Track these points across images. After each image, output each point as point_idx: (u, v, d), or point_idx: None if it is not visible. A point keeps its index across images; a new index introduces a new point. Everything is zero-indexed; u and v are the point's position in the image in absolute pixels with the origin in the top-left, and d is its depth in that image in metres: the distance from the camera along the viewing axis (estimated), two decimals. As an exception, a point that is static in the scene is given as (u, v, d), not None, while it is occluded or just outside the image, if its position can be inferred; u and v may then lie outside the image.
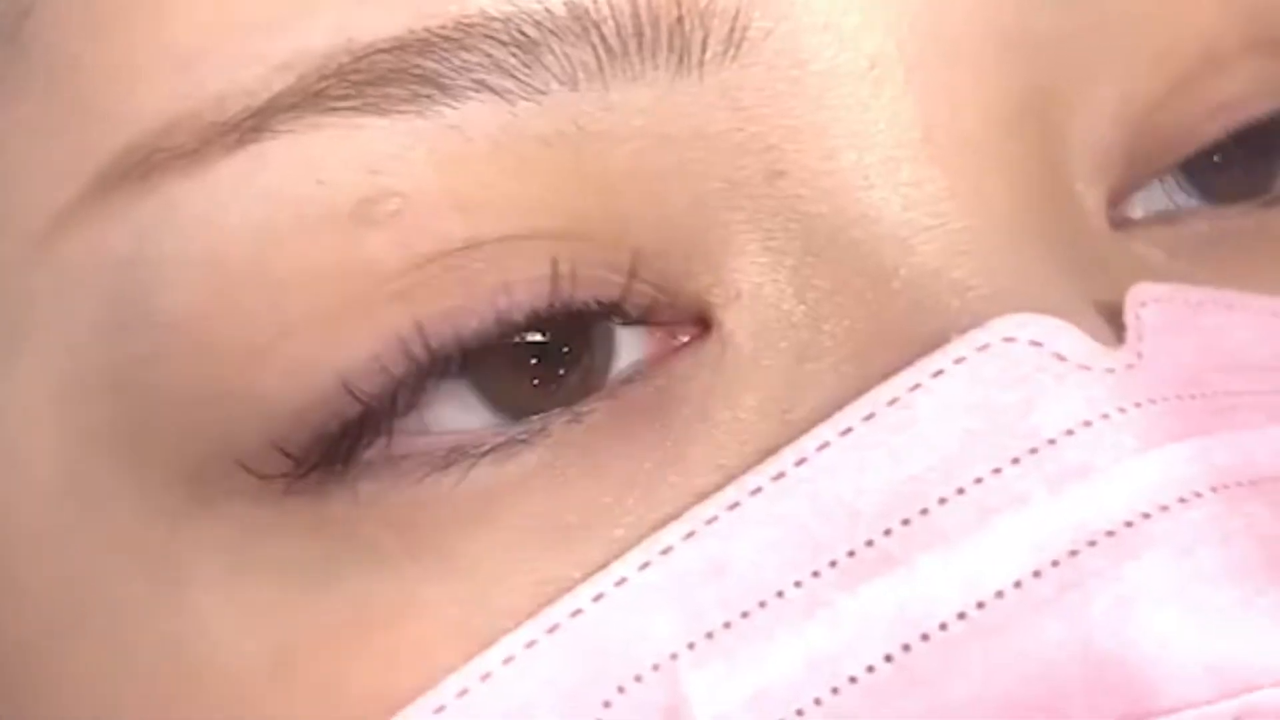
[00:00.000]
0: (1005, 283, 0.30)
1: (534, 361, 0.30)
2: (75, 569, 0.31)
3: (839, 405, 0.29)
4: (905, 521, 0.29)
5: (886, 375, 0.29)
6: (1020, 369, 0.29)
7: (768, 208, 0.30)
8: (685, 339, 0.31)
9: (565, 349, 0.30)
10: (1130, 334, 0.30)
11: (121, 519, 0.31)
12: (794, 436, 0.29)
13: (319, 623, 0.29)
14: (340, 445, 0.29)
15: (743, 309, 0.30)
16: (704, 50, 0.29)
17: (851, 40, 0.30)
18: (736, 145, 0.30)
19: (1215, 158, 0.34)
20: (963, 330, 0.29)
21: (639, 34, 0.29)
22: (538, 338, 0.30)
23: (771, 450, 0.29)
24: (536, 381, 0.30)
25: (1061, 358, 0.29)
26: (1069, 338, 0.29)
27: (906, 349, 0.29)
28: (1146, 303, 0.30)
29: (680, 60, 0.29)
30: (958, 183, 0.30)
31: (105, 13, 0.30)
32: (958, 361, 0.29)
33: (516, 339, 0.30)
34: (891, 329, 0.30)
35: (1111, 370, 0.29)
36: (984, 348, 0.29)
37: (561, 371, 0.30)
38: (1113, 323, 0.30)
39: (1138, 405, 0.29)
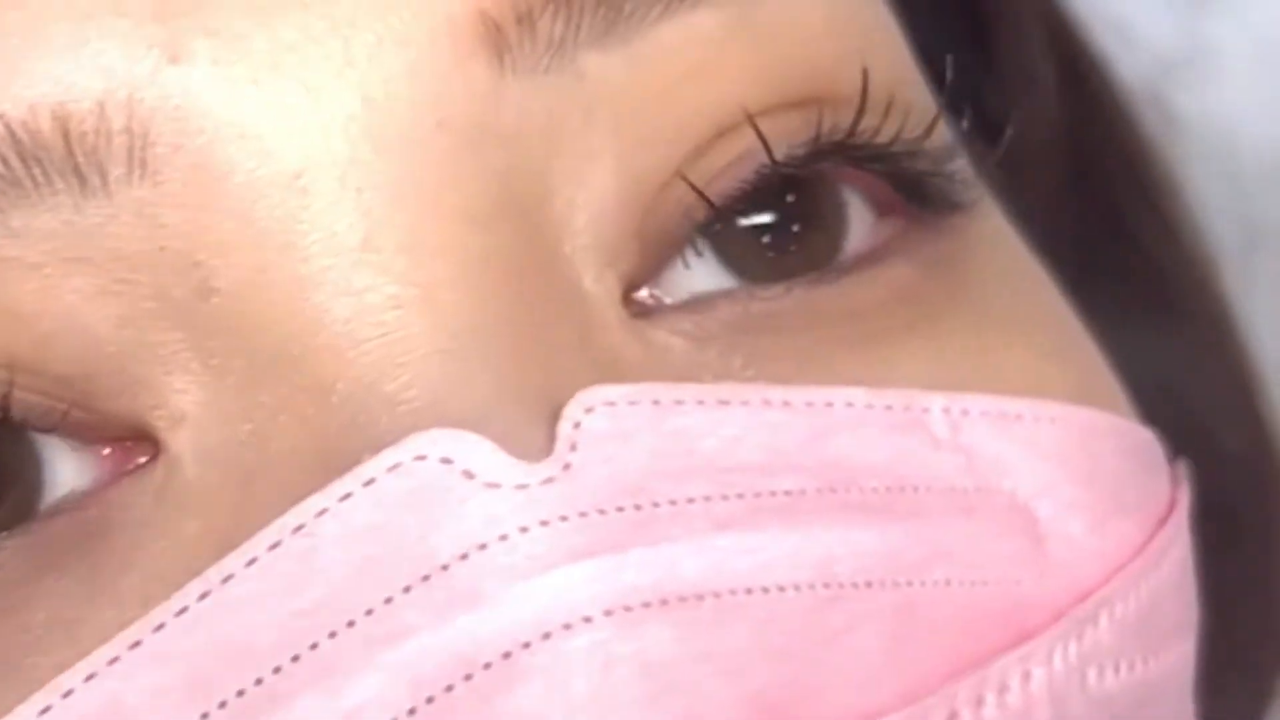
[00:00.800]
0: (441, 394, 0.28)
1: None
2: None
3: None
4: (295, 658, 0.27)
5: None
6: (426, 489, 0.27)
7: (204, 326, 0.29)
8: (141, 461, 0.30)
9: None
10: (560, 444, 0.28)
11: None
12: None
13: None
14: None
15: (187, 432, 0.29)
16: (104, 173, 0.28)
17: (272, 150, 0.29)
18: (161, 264, 0.29)
19: (764, 233, 0.32)
20: (380, 449, 0.28)
21: (26, 160, 0.28)
22: None
23: None
24: None
25: (470, 475, 0.27)
26: (481, 453, 0.27)
27: (339, 469, 0.28)
28: (594, 407, 0.28)
29: (83, 184, 0.28)
30: (405, 289, 0.29)
31: None
32: (367, 484, 0.28)
33: None
34: (331, 447, 0.29)
35: (524, 486, 0.27)
36: (394, 467, 0.28)
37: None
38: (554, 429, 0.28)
39: (543, 524, 0.27)
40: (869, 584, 0.29)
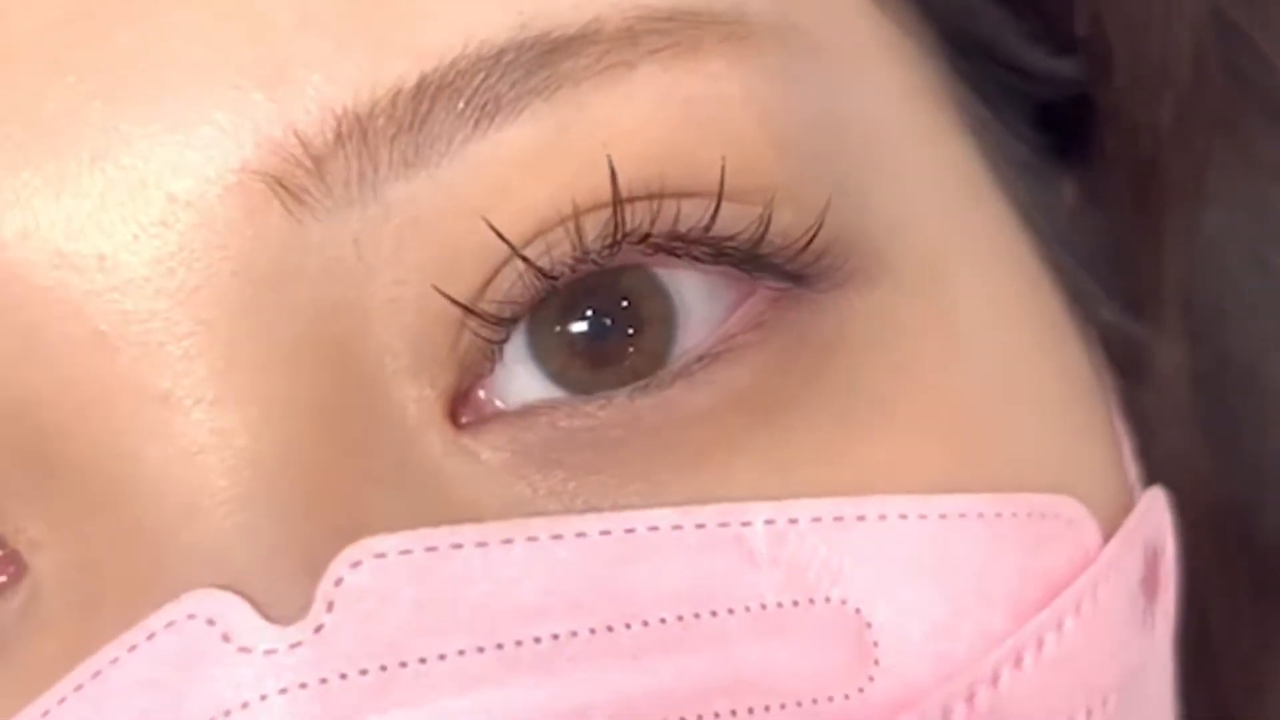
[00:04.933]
0: (227, 543, 0.30)
1: None
2: None
3: None
4: None
5: None
6: (192, 649, 0.30)
7: (41, 465, 0.31)
8: (8, 577, 0.32)
9: None
10: (317, 604, 0.30)
11: None
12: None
13: None
14: None
15: (46, 556, 0.32)
16: None
17: (80, 311, 0.31)
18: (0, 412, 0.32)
19: (585, 341, 0.32)
20: (170, 600, 0.30)
21: None
22: None
23: None
24: None
25: (228, 638, 0.30)
26: (239, 615, 0.30)
27: (141, 612, 0.31)
28: (361, 561, 0.30)
29: None
30: (204, 438, 0.31)
31: None
32: (149, 637, 0.30)
33: None
34: (142, 587, 0.31)
35: (273, 651, 0.29)
36: (170, 625, 0.30)
37: None
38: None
39: (282, 692, 0.29)
40: None
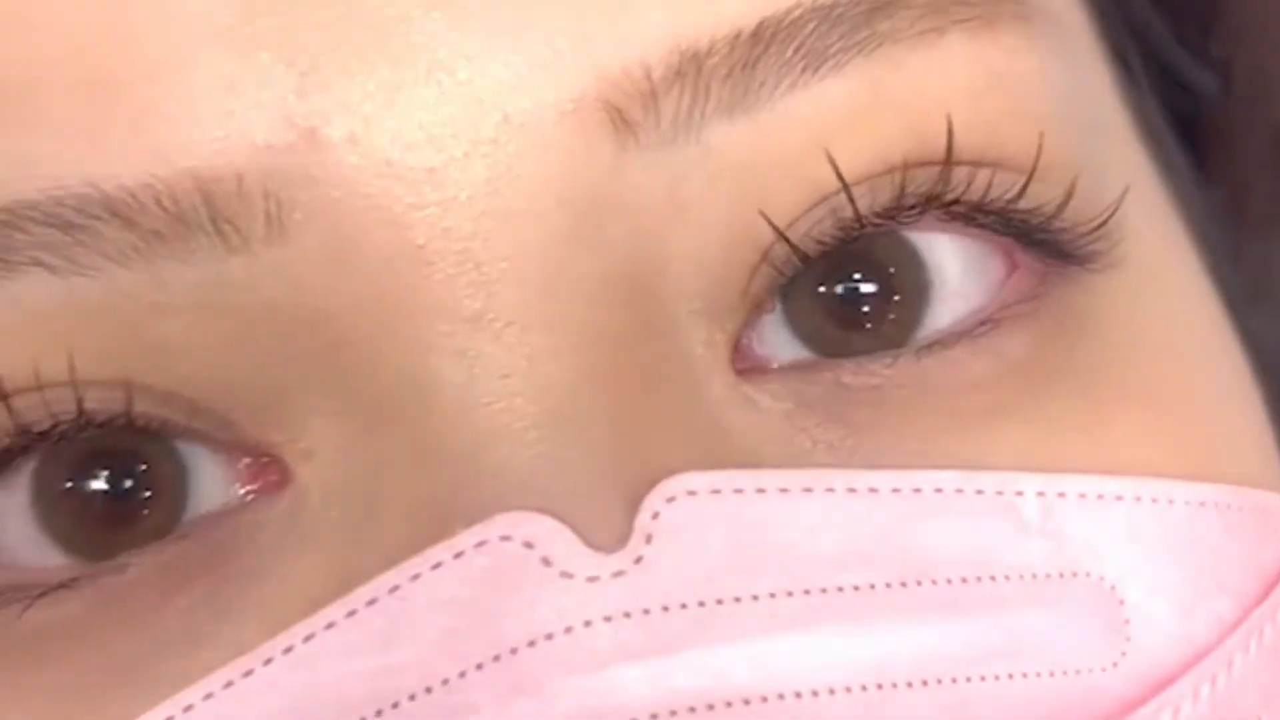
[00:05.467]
0: (537, 469, 0.30)
1: (99, 506, 0.32)
2: None
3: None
4: (378, 712, 0.30)
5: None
6: (507, 570, 0.30)
7: (332, 375, 0.31)
8: (274, 479, 0.32)
9: (145, 493, 0.32)
10: (636, 536, 0.30)
11: None
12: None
13: None
14: None
15: (316, 467, 0.32)
16: (244, 235, 0.31)
17: (400, 221, 0.31)
18: (296, 318, 0.31)
19: (854, 303, 0.33)
20: (476, 520, 0.30)
21: (173, 221, 0.30)
22: (100, 484, 0.32)
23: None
24: (109, 524, 0.32)
25: (548, 562, 0.29)
26: (560, 541, 0.29)
27: (438, 529, 0.30)
28: (675, 496, 0.30)
29: (225, 243, 0.31)
30: (514, 361, 0.31)
31: None
32: (457, 556, 0.30)
33: (82, 484, 0.32)
34: (433, 507, 0.31)
35: (595, 579, 0.29)
36: (481, 544, 0.30)
37: (145, 512, 0.32)
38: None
39: (607, 620, 0.29)
40: (924, 683, 0.30)
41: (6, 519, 0.33)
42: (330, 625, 0.30)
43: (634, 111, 0.31)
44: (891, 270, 0.33)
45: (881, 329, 0.33)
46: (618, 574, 0.29)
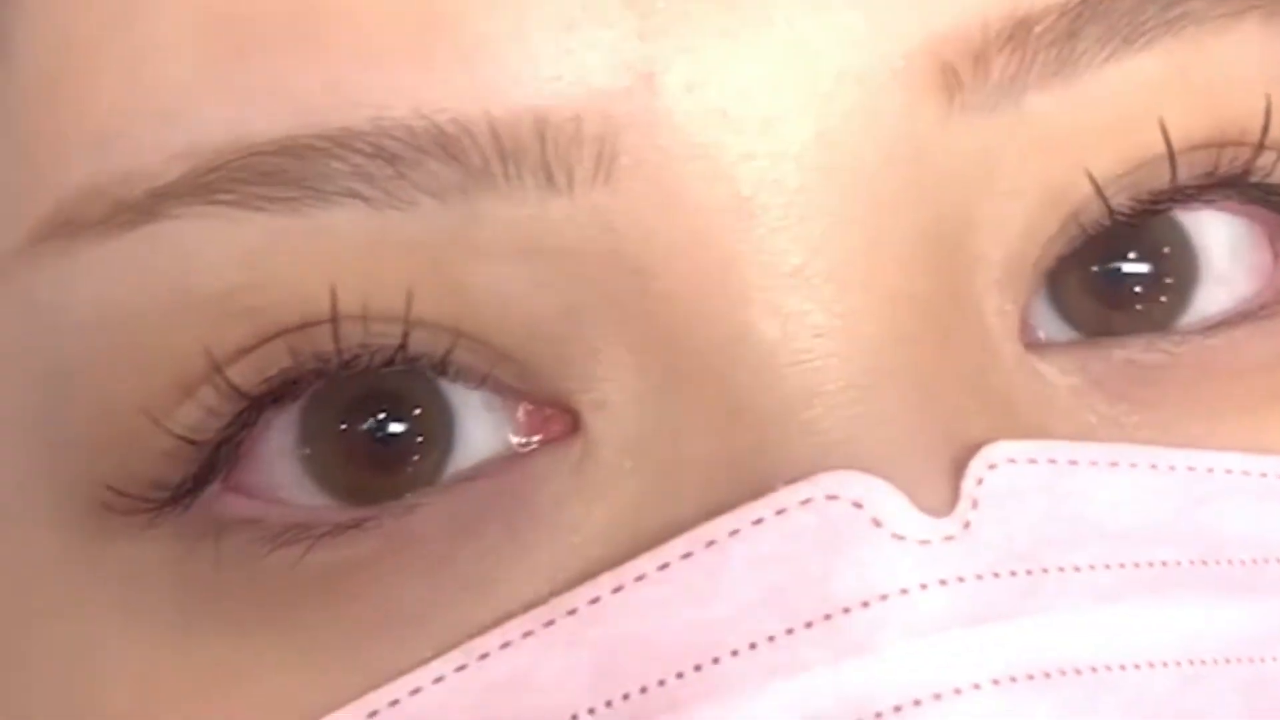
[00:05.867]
0: (854, 430, 0.30)
1: (376, 446, 0.31)
2: (16, 580, 0.34)
3: (682, 530, 0.30)
4: (698, 667, 0.29)
5: (726, 510, 0.30)
6: (835, 529, 0.29)
7: (637, 325, 0.31)
8: (557, 429, 0.31)
9: (418, 436, 0.31)
10: (963, 501, 0.30)
11: (47, 541, 0.34)
12: (634, 555, 0.30)
13: (179, 678, 0.32)
14: (182, 489, 0.32)
15: (608, 417, 0.31)
16: (572, 176, 0.30)
17: (728, 172, 0.30)
18: (609, 264, 0.30)
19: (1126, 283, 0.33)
20: (795, 478, 0.30)
21: (503, 158, 0.30)
22: (380, 420, 0.31)
23: (610, 566, 0.30)
24: (377, 468, 0.31)
25: (878, 523, 0.29)
26: (891, 502, 0.29)
27: (747, 486, 0.30)
28: (996, 464, 0.30)
29: (549, 181, 0.30)
30: (830, 319, 0.30)
31: (52, 79, 0.32)
32: (779, 513, 0.29)
33: (362, 424, 0.31)
34: (739, 462, 0.30)
35: (926, 542, 0.29)
36: (806, 502, 0.29)
37: (415, 457, 0.32)
38: (957, 482, 0.30)
39: (941, 583, 0.29)
40: (1228, 660, 0.31)
41: (275, 460, 0.32)
42: (640, 578, 0.30)
43: (962, 73, 0.30)
44: (1165, 251, 0.33)
45: (1150, 311, 0.33)
46: (948, 538, 0.29)
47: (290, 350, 0.31)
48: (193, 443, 0.31)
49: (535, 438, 0.32)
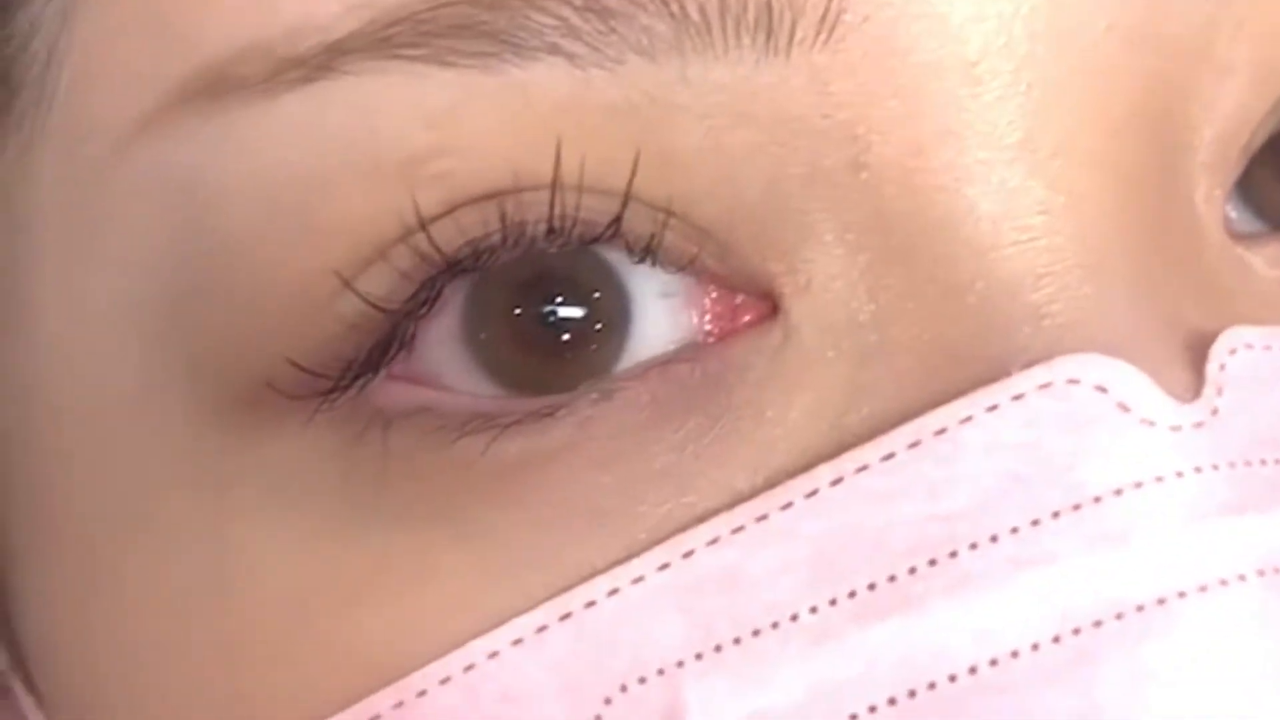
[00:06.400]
0: (1086, 312, 0.28)
1: (551, 331, 0.29)
2: (137, 476, 0.32)
3: (895, 419, 0.28)
4: (932, 562, 0.27)
5: (946, 397, 0.28)
6: (1079, 415, 0.27)
7: (848, 200, 0.29)
8: (747, 319, 0.29)
9: (596, 324, 0.29)
10: (1208, 387, 0.28)
11: (180, 434, 0.31)
12: (844, 445, 0.28)
13: (339, 574, 0.29)
14: (360, 366, 0.29)
15: (811, 301, 0.29)
16: (793, 33, 0.28)
17: (957, 33, 0.28)
18: (821, 132, 0.29)
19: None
20: (1028, 363, 0.28)
21: (723, 11, 0.28)
22: (556, 305, 0.29)
23: (818, 458, 0.28)
24: (553, 355, 0.29)
25: (1125, 408, 0.27)
26: (1137, 386, 0.27)
27: (970, 371, 0.28)
28: (1236, 349, 0.28)
29: (768, 40, 0.28)
30: (1054, 195, 0.29)
31: None
32: (1015, 398, 0.28)
33: (538, 309, 0.29)
34: (959, 346, 0.28)
35: (1177, 428, 0.28)
36: (1045, 386, 0.28)
37: (594, 346, 0.29)
38: (1197, 366, 0.28)
39: (1197, 470, 0.27)
40: None
41: (443, 346, 0.29)
42: (863, 468, 0.28)
43: None
44: None
45: None
46: (1198, 425, 0.28)
47: (485, 219, 0.28)
48: (381, 310, 0.29)
49: (722, 326, 0.29)
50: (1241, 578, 0.27)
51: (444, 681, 0.29)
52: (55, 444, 0.32)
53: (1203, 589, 0.27)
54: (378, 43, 0.28)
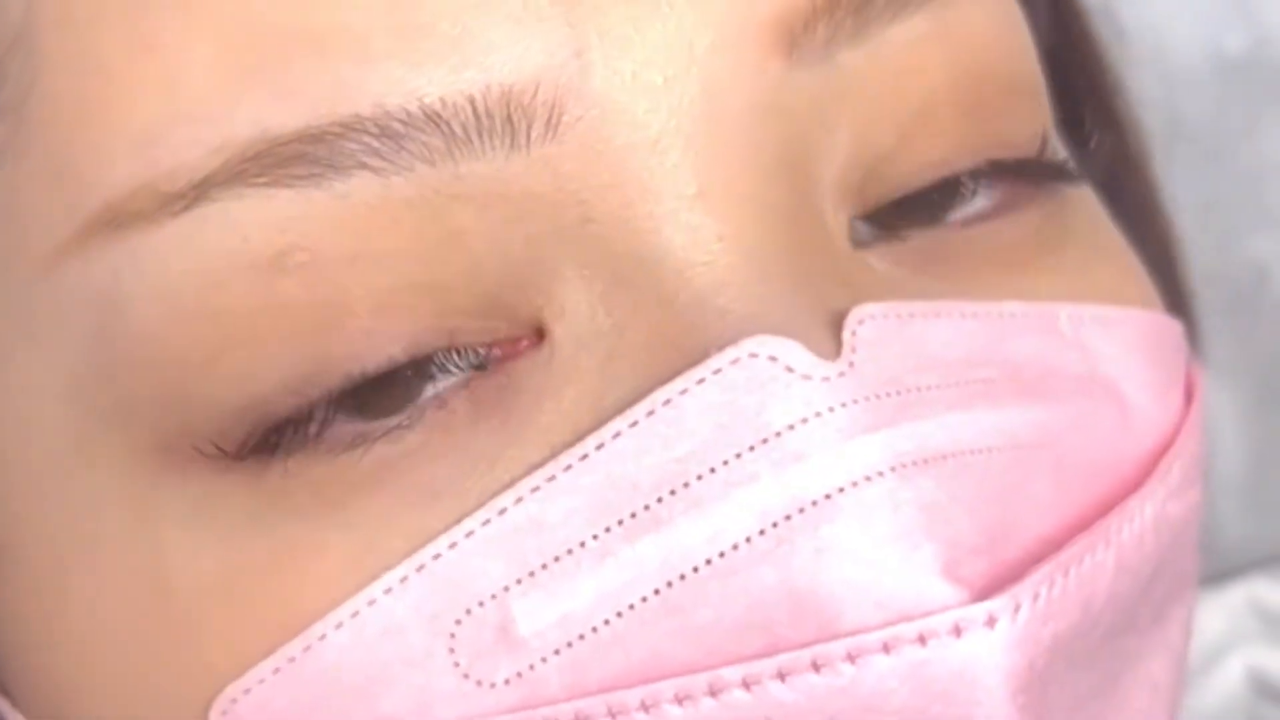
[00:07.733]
0: (756, 308, 0.39)
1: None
2: (75, 509, 0.41)
3: (635, 399, 0.39)
4: (672, 492, 0.39)
5: (669, 377, 0.39)
6: (760, 378, 0.39)
7: (584, 247, 0.40)
8: (524, 344, 0.40)
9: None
10: (845, 347, 0.39)
11: (113, 473, 0.40)
12: (602, 422, 0.39)
13: (255, 560, 0.40)
14: (263, 441, 0.40)
15: (566, 322, 0.40)
16: (529, 134, 0.39)
17: (641, 121, 0.39)
18: (557, 201, 0.39)
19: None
20: (721, 346, 0.39)
21: (479, 126, 0.39)
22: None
23: (586, 433, 0.39)
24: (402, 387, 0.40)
25: (790, 369, 0.39)
26: (796, 353, 0.39)
27: (683, 359, 0.39)
28: (864, 319, 0.40)
29: (512, 142, 0.39)
30: (724, 228, 0.40)
31: (84, 101, 0.40)
32: (715, 372, 0.39)
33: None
34: (673, 342, 0.40)
35: (827, 378, 0.39)
36: (735, 361, 0.39)
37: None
38: (837, 336, 0.40)
39: (843, 405, 0.39)
40: (1039, 445, 0.42)
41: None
42: (617, 435, 0.39)
43: (799, 34, 0.40)
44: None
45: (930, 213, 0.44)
46: (841, 374, 0.39)
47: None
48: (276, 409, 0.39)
49: (507, 351, 0.40)
50: (880, 474, 0.38)
51: (338, 626, 0.39)
52: (2, 480, 0.42)
53: (854, 484, 0.38)
54: (235, 175, 0.38)
